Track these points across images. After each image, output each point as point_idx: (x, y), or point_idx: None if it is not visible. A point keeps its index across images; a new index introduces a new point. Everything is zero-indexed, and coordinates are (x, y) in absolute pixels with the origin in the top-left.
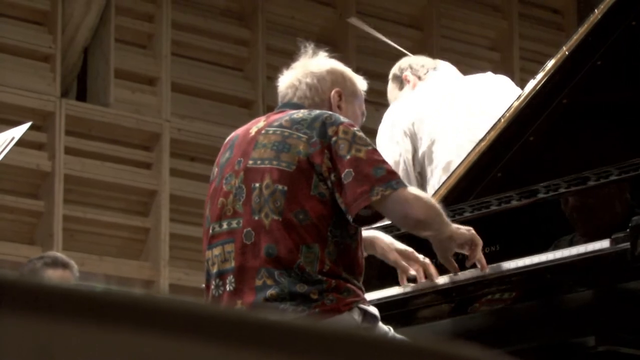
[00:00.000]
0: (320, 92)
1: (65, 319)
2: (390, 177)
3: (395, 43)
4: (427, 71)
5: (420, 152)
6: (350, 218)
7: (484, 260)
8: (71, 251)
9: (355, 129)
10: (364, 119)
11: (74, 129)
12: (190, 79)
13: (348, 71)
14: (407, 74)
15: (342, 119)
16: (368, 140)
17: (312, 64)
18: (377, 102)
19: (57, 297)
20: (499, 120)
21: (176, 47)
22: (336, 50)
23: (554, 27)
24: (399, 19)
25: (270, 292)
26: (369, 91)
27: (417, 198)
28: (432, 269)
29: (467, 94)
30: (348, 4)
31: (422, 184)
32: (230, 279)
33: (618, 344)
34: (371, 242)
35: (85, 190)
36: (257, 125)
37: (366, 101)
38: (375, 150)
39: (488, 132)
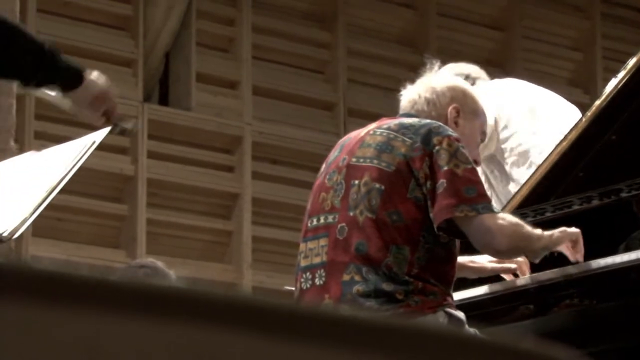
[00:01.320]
0: (439, 106)
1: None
2: (478, 200)
3: (477, 44)
4: (473, 83)
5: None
6: (435, 227)
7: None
8: (154, 254)
9: (460, 144)
10: (485, 139)
11: (157, 133)
12: (271, 82)
13: (471, 89)
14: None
15: (450, 132)
16: (469, 158)
17: (435, 80)
18: None
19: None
20: (580, 119)
21: (257, 51)
22: (417, 51)
23: (637, 26)
24: (481, 20)
25: (357, 287)
26: None
27: (501, 228)
28: (525, 267)
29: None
30: (429, 5)
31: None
32: (320, 272)
33: None
34: (466, 265)
35: (168, 194)
36: (368, 127)
37: None
38: (473, 170)
39: (569, 132)
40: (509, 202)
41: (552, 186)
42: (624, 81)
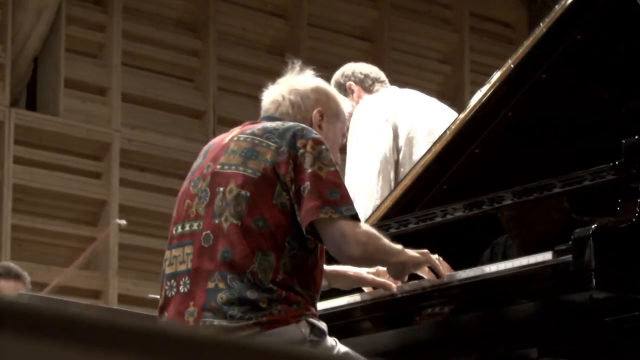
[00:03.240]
0: (303, 110)
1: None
2: (342, 202)
3: (347, 55)
4: (373, 82)
5: (399, 143)
6: (303, 229)
7: (442, 272)
8: (19, 261)
9: (323, 146)
10: (345, 140)
11: (24, 138)
12: (140, 89)
13: (333, 91)
14: (351, 83)
15: (314, 134)
16: (333, 160)
17: (298, 81)
18: None
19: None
20: (445, 132)
21: (127, 57)
22: (286, 62)
23: (505, 40)
24: (351, 31)
25: (221, 295)
26: None
27: (356, 235)
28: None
29: (434, 102)
30: (300, 15)
31: (396, 172)
32: (185, 280)
33: (560, 356)
34: (343, 274)
35: (34, 200)
36: (231, 133)
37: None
38: (336, 173)
39: (433, 145)
40: (372, 213)
41: (416, 198)
42: (487, 95)
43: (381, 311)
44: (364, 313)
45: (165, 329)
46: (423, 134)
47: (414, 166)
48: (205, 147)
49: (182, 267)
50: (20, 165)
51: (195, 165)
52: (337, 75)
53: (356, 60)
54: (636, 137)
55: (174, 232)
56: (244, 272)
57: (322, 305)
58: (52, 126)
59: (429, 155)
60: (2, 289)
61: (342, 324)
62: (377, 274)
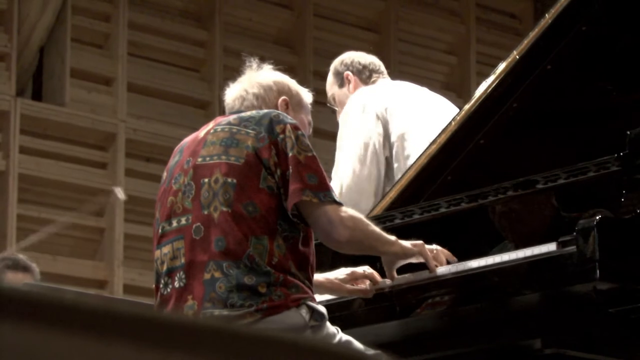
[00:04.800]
0: (268, 101)
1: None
2: (320, 188)
3: (353, 46)
4: (370, 74)
5: (391, 139)
6: (289, 213)
7: (433, 266)
8: (25, 250)
9: (299, 132)
10: (311, 129)
11: (29, 128)
12: (146, 80)
13: (294, 83)
14: (349, 73)
15: (290, 119)
16: (310, 146)
17: (259, 76)
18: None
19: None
20: (450, 123)
21: (133, 48)
22: (293, 52)
23: (512, 32)
24: (357, 22)
25: (219, 284)
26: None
27: (342, 219)
28: (377, 276)
29: (431, 95)
30: (306, 6)
31: (386, 170)
32: (179, 275)
33: (564, 346)
34: (318, 284)
35: (39, 190)
36: (206, 128)
37: (323, 103)
38: (314, 158)
39: (438, 135)
40: (377, 203)
41: (421, 189)
42: (493, 86)
43: (382, 302)
44: (364, 305)
45: (165, 317)
46: (416, 129)
47: (419, 157)
48: (179, 147)
49: (176, 263)
50: (26, 155)
51: (171, 164)
52: (336, 62)
53: (363, 50)
54: None
55: (160, 231)
56: (240, 258)
57: (321, 297)
58: (58, 116)
59: (433, 146)
60: (11, 280)
61: (344, 315)
62: (351, 276)
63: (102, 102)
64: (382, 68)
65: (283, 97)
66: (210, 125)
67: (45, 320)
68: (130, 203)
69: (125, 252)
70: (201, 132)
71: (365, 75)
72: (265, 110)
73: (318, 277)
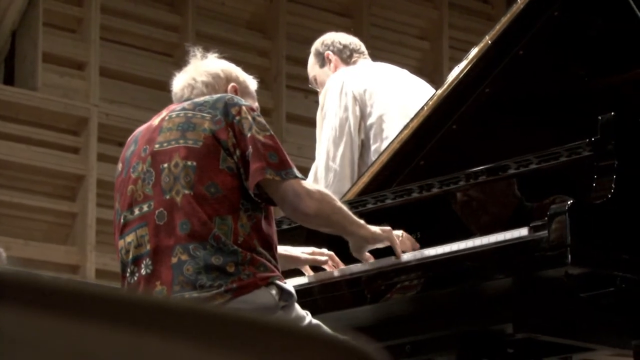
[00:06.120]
0: (217, 88)
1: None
2: (281, 166)
3: (326, 31)
4: (351, 53)
5: (368, 121)
6: (251, 193)
7: (399, 253)
8: None
9: (255, 113)
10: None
11: (1, 112)
12: (119, 64)
13: (240, 70)
14: (329, 52)
15: (243, 101)
16: (267, 126)
17: (205, 64)
18: (306, 89)
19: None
20: (422, 108)
21: (105, 32)
22: (266, 37)
23: (484, 17)
24: (330, 6)
25: (186, 267)
26: (300, 78)
27: (309, 192)
28: (337, 259)
29: (410, 77)
30: None
31: (362, 152)
32: (146, 262)
33: (535, 331)
34: (283, 256)
35: (11, 174)
36: (159, 116)
37: (296, 88)
38: (272, 137)
39: (411, 120)
40: (350, 189)
41: (394, 174)
42: (465, 71)
43: (352, 288)
44: (334, 289)
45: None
46: (395, 111)
47: (392, 142)
48: (132, 137)
49: (141, 250)
50: None
51: (126, 154)
52: (316, 43)
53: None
54: (612, 113)
55: (122, 220)
56: (205, 240)
57: (292, 282)
58: (30, 101)
59: (406, 131)
60: None
61: (316, 299)
62: (312, 254)
63: (74, 87)
64: (363, 48)
65: (232, 84)
66: (164, 113)
67: (21, 301)
68: (103, 187)
69: (97, 236)
70: (155, 120)
71: (346, 54)
72: (219, 95)
73: (280, 249)
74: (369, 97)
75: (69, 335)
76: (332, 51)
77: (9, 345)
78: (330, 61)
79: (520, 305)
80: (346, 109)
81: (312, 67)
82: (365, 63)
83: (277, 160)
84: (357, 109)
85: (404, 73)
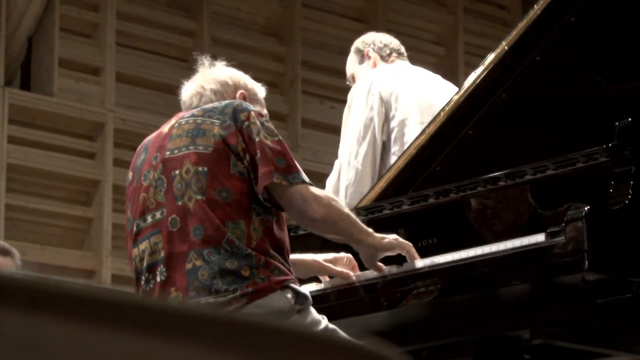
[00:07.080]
0: (226, 95)
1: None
2: (288, 170)
3: (341, 36)
4: (391, 52)
5: (391, 124)
6: (260, 197)
7: (416, 255)
8: (13, 240)
9: (264, 118)
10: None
11: (18, 118)
12: (134, 69)
13: (248, 78)
14: (370, 50)
15: (252, 107)
16: (275, 131)
17: (213, 72)
18: (323, 95)
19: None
20: (439, 114)
21: (121, 37)
22: (282, 42)
23: (500, 22)
24: (345, 12)
25: (201, 272)
26: (316, 83)
27: (316, 197)
28: (354, 262)
29: (443, 83)
30: None
31: (382, 154)
32: (160, 269)
33: (552, 337)
34: (300, 261)
35: (28, 180)
36: (169, 124)
37: (312, 94)
38: (280, 142)
39: (427, 126)
40: (366, 194)
41: (410, 180)
42: (482, 77)
43: (370, 293)
44: (352, 295)
45: (165, 305)
46: (419, 116)
47: (408, 147)
48: (142, 145)
49: (155, 257)
50: (14, 145)
51: (137, 163)
52: (357, 41)
53: (350, 41)
54: (629, 119)
55: (134, 229)
56: (219, 244)
57: (308, 288)
58: (46, 106)
59: (423, 137)
60: None
61: (333, 305)
62: (334, 261)
63: (90, 92)
64: (403, 50)
65: (240, 91)
66: (173, 120)
67: (38, 306)
68: (119, 193)
69: (113, 242)
70: (164, 128)
71: (385, 52)
72: (228, 101)
73: (300, 256)
74: (395, 100)
75: (77, 341)
76: (373, 49)
77: (13, 349)
78: (369, 58)
79: (537, 311)
80: (372, 108)
81: (351, 65)
82: (401, 64)
83: (285, 165)
84: (383, 110)
85: (437, 79)
